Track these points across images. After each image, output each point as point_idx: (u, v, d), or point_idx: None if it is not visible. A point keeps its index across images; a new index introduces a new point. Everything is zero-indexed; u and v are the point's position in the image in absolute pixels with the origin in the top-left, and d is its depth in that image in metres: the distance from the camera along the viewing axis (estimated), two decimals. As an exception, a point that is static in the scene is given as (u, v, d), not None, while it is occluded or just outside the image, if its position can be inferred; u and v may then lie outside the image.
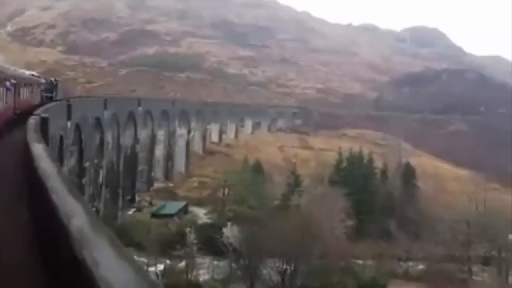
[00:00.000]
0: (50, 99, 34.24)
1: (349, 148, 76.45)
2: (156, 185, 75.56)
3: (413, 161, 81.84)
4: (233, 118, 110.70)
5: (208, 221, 55.79)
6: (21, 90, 22.25)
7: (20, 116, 19.05)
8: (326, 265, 42.95)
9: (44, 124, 15.15)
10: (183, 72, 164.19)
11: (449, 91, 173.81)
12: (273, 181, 69.11)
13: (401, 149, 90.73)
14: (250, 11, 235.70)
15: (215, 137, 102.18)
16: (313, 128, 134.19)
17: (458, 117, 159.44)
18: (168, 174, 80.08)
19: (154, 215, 59.28)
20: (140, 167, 69.68)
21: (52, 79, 39.98)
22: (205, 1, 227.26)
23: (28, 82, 25.69)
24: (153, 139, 73.86)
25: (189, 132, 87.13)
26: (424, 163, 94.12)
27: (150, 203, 66.60)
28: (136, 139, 66.04)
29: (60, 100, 35.88)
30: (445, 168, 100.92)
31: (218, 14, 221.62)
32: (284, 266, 42.22)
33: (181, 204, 64.65)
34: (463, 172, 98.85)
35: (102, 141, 51.77)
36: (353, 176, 62.12)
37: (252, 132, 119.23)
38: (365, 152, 74.85)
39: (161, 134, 77.53)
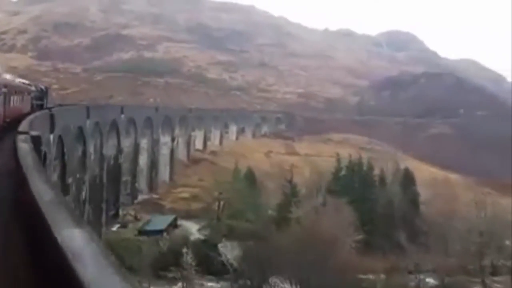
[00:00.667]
0: (41, 106, 33.20)
1: (340, 154, 73.37)
2: (141, 197, 70.96)
3: (402, 166, 79.34)
4: (217, 124, 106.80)
5: (202, 237, 51.48)
6: (11, 98, 21.74)
7: (10, 125, 18.57)
8: (338, 282, 39.43)
9: (36, 144, 11.35)
10: (162, 77, 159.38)
11: (428, 94, 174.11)
12: (265, 190, 65.29)
13: (396, 154, 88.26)
14: (226, 15, 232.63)
15: (199, 144, 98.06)
16: (297, 133, 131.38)
17: (439, 121, 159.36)
18: (152, 184, 75.64)
19: (141, 231, 54.79)
20: (123, 178, 65.26)
21: (43, 86, 38.94)
22: (179, 5, 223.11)
23: (18, 90, 25.19)
24: (136, 148, 69.53)
25: (173, 139, 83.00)
26: (413, 167, 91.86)
27: (136, 218, 62.10)
28: (119, 149, 61.69)
29: (51, 108, 34.52)
30: (434, 172, 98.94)
31: (193, 18, 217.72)
32: (295, 287, 38.45)
33: (170, 218, 60.12)
34: (453, 176, 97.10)
35: (84, 152, 47.34)
36: (353, 184, 58.96)
37: (237, 138, 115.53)
38: (353, 157, 71.83)
39: (144, 143, 73.23)
